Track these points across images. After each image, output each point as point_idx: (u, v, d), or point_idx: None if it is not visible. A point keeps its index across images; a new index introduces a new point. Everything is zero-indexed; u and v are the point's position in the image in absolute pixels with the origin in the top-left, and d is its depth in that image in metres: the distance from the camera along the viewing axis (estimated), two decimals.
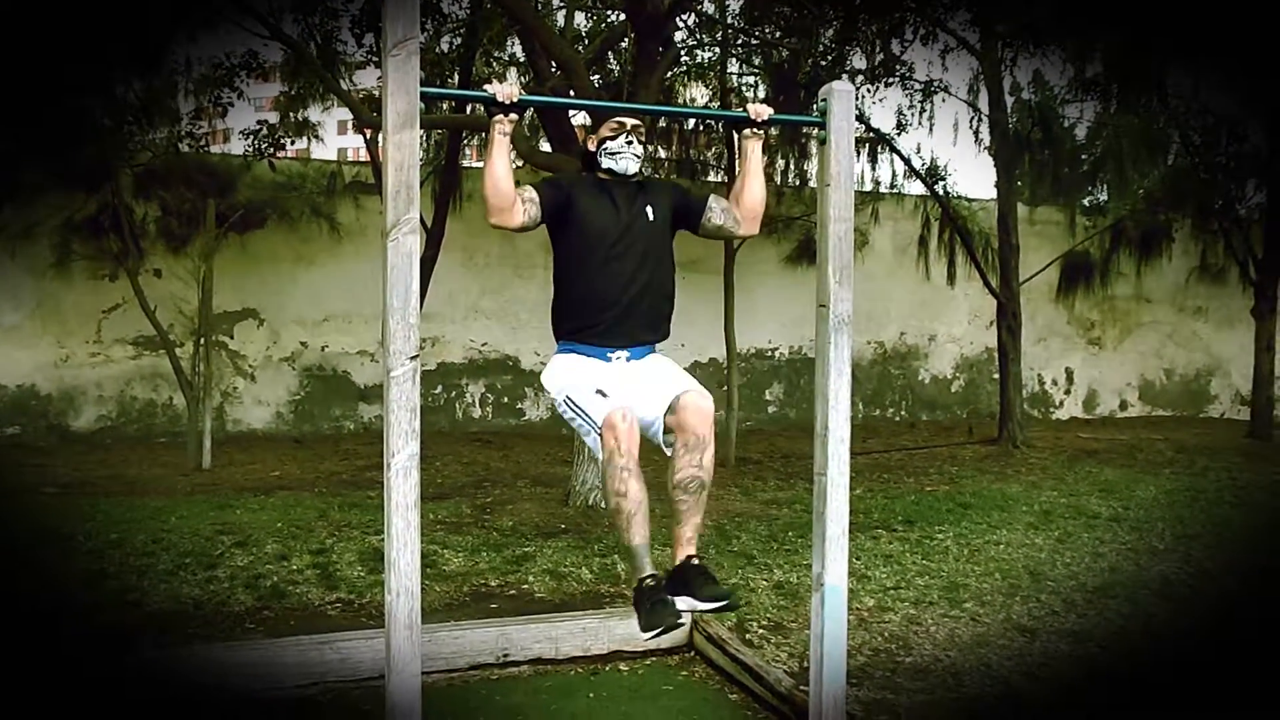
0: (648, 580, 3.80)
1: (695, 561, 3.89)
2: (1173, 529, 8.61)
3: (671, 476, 3.91)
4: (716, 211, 4.22)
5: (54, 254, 12.75)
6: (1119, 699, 4.94)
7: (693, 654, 5.38)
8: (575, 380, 3.93)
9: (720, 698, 4.84)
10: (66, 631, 5.58)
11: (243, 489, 9.92)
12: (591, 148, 4.16)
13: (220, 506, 8.91)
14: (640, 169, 4.11)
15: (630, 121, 4.11)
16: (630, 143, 4.06)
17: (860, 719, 4.50)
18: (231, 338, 13.91)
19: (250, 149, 12.09)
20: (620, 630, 5.33)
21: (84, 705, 4.37)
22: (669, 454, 3.92)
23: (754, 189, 4.17)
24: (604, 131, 4.11)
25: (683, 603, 3.79)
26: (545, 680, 5.03)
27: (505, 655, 5.12)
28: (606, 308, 3.96)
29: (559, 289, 4.10)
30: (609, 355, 3.99)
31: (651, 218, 4.08)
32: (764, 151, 4.23)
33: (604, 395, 3.83)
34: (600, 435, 3.77)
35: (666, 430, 3.93)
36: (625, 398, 3.85)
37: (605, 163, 4.08)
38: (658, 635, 3.77)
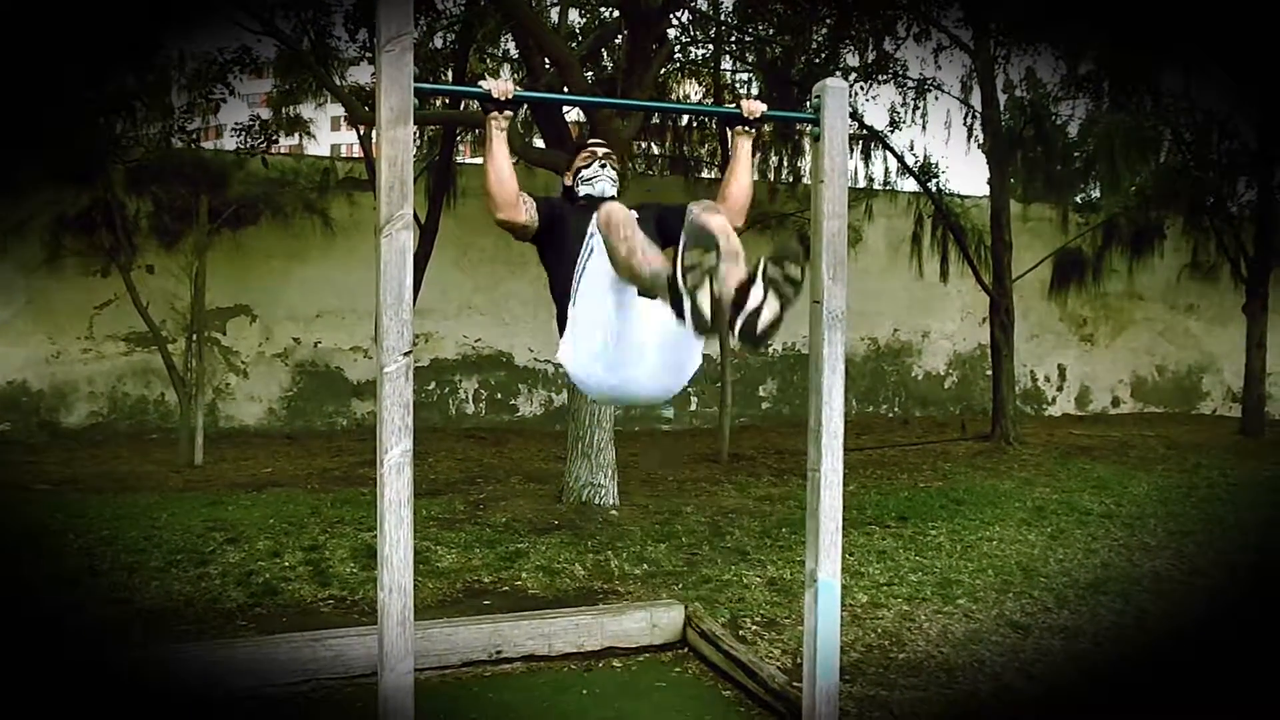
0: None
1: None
2: (1165, 525, 8.63)
3: None
4: (695, 213, 4.16)
5: (46, 250, 12.73)
6: (1112, 695, 4.95)
7: (686, 650, 5.38)
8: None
9: (714, 694, 4.85)
10: (57, 629, 5.57)
11: (235, 485, 9.90)
12: (568, 183, 4.23)
13: (212, 503, 8.90)
14: (616, 192, 4.15)
15: (600, 150, 4.21)
16: (604, 166, 4.16)
17: (854, 715, 4.50)
18: (224, 334, 13.88)
19: (241, 144, 12.09)
20: (613, 627, 5.33)
21: (75, 703, 4.36)
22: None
23: (741, 184, 4.18)
24: (577, 162, 4.22)
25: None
26: (538, 677, 5.03)
27: (498, 652, 5.11)
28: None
29: (561, 305, 3.98)
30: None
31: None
32: (757, 148, 4.25)
33: None
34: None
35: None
36: None
37: (582, 189, 4.15)
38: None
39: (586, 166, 4.16)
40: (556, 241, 3.99)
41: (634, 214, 3.73)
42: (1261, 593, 6.78)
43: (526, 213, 3.89)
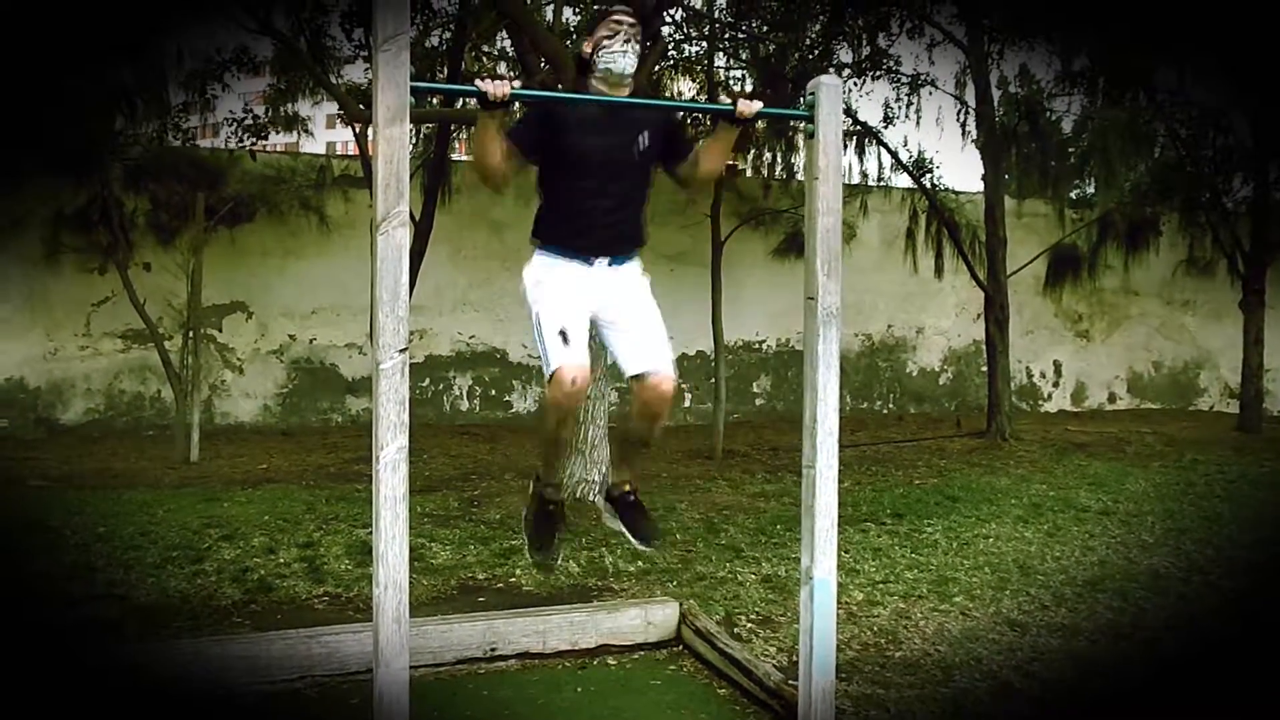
0: (549, 492, 4.45)
1: (633, 499, 4.52)
2: (1162, 522, 8.63)
3: (628, 424, 4.53)
4: (689, 162, 4.25)
5: (43, 247, 12.75)
6: (1109, 693, 4.95)
7: (681, 648, 5.38)
8: (548, 300, 4.08)
9: (709, 692, 4.85)
10: (53, 625, 5.56)
11: (230, 482, 9.90)
12: (588, 50, 4.10)
13: (208, 499, 8.89)
14: (634, 68, 4.06)
15: (628, 20, 4.05)
16: (628, 42, 4.01)
17: (850, 713, 4.50)
18: (220, 331, 13.87)
19: (233, 135, 12.10)
20: (608, 624, 5.33)
21: (70, 699, 4.35)
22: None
23: (716, 164, 4.24)
24: (600, 32, 4.05)
25: (616, 525, 4.56)
26: (533, 674, 5.03)
27: (493, 649, 5.11)
28: (593, 228, 4.09)
29: (546, 197, 4.19)
30: (591, 261, 4.12)
31: (643, 147, 4.11)
32: (751, 143, 4.29)
33: (565, 340, 3.99)
34: (549, 380, 4.03)
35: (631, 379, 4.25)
36: (581, 347, 4.02)
37: (601, 63, 4.03)
38: (537, 562, 4.62)
39: (610, 37, 4.01)
40: (550, 144, 4.04)
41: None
42: (1260, 589, 6.78)
43: (510, 170, 3.96)
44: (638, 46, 4.06)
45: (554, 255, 4.13)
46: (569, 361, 3.97)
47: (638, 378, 4.18)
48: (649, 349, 4.17)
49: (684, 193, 4.46)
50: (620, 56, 4.01)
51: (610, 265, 4.14)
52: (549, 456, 4.42)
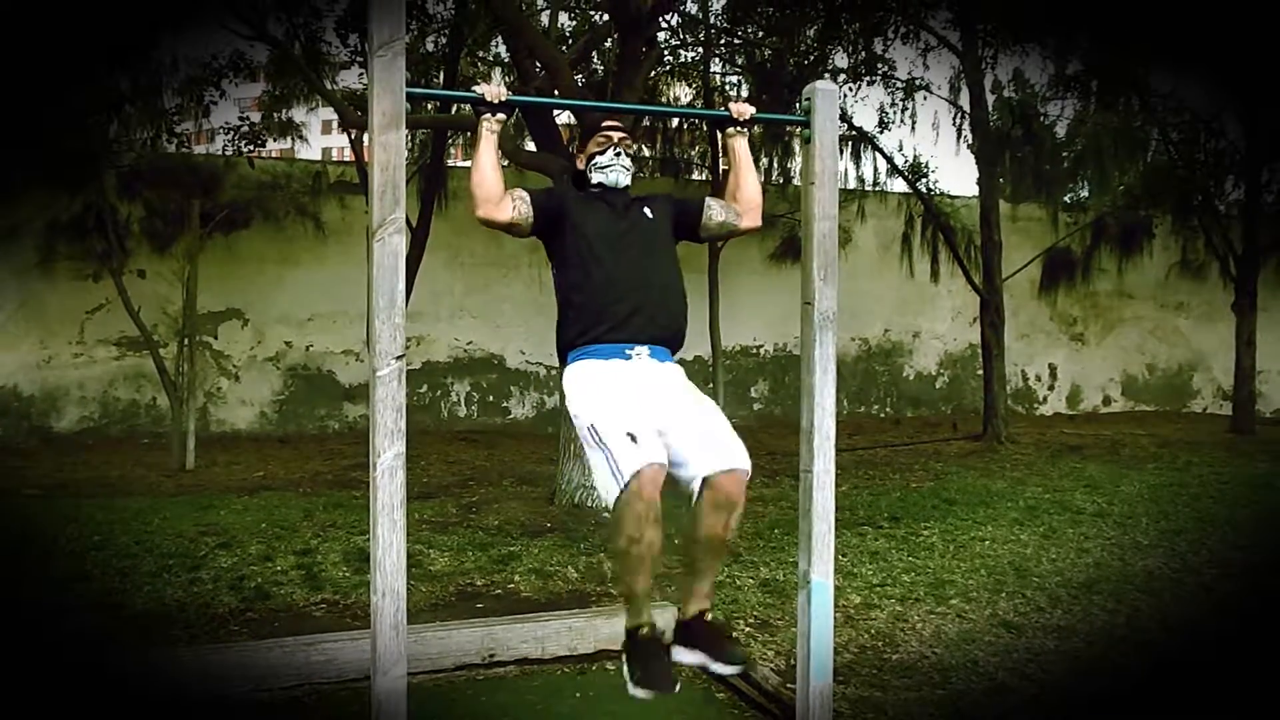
0: (645, 630, 3.77)
1: (710, 618, 3.89)
2: (1157, 524, 8.64)
3: (696, 530, 3.84)
4: (716, 209, 4.13)
5: (38, 254, 12.75)
6: (1105, 694, 4.95)
7: None
8: (603, 408, 3.64)
9: (707, 696, 4.84)
10: (48, 634, 5.55)
11: (227, 489, 9.89)
12: (580, 165, 4.08)
13: (204, 507, 8.88)
14: (630, 181, 4.00)
15: (616, 135, 4.00)
16: (619, 155, 3.96)
17: (847, 716, 4.51)
18: (215, 338, 13.87)
19: (230, 144, 12.10)
20: (606, 629, 5.32)
21: (67, 708, 4.35)
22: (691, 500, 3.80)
23: (749, 182, 4.15)
24: (591, 147, 4.02)
25: (694, 657, 3.79)
26: (532, 680, 5.03)
27: (491, 655, 5.11)
28: (620, 297, 3.77)
29: (566, 296, 3.87)
30: (628, 352, 3.76)
31: (651, 217, 3.98)
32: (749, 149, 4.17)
33: (634, 440, 3.58)
34: (625, 491, 3.57)
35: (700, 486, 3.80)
36: (656, 445, 3.63)
37: (595, 177, 3.98)
38: (648, 695, 3.63)
39: (601, 153, 3.97)
40: (560, 233, 3.89)
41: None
42: (1254, 590, 6.79)
43: (515, 210, 3.77)
44: (629, 159, 4.01)
45: (588, 355, 3.78)
46: (647, 461, 3.56)
47: (709, 479, 3.76)
48: (720, 443, 3.79)
49: (744, 225, 4.15)
50: (612, 171, 3.96)
51: (651, 355, 3.80)
52: (634, 587, 3.79)
